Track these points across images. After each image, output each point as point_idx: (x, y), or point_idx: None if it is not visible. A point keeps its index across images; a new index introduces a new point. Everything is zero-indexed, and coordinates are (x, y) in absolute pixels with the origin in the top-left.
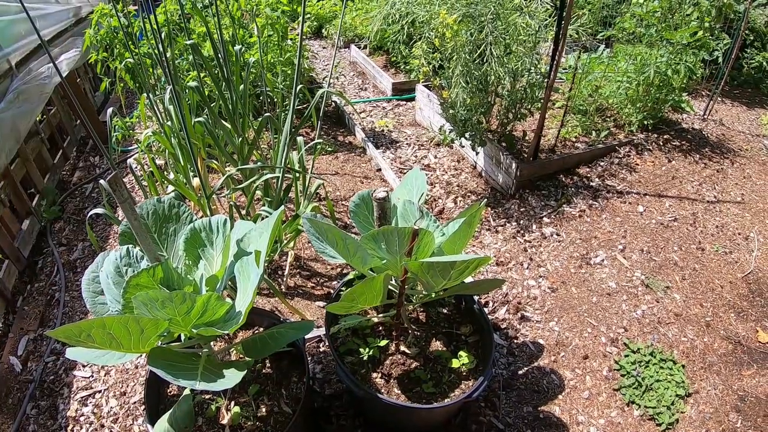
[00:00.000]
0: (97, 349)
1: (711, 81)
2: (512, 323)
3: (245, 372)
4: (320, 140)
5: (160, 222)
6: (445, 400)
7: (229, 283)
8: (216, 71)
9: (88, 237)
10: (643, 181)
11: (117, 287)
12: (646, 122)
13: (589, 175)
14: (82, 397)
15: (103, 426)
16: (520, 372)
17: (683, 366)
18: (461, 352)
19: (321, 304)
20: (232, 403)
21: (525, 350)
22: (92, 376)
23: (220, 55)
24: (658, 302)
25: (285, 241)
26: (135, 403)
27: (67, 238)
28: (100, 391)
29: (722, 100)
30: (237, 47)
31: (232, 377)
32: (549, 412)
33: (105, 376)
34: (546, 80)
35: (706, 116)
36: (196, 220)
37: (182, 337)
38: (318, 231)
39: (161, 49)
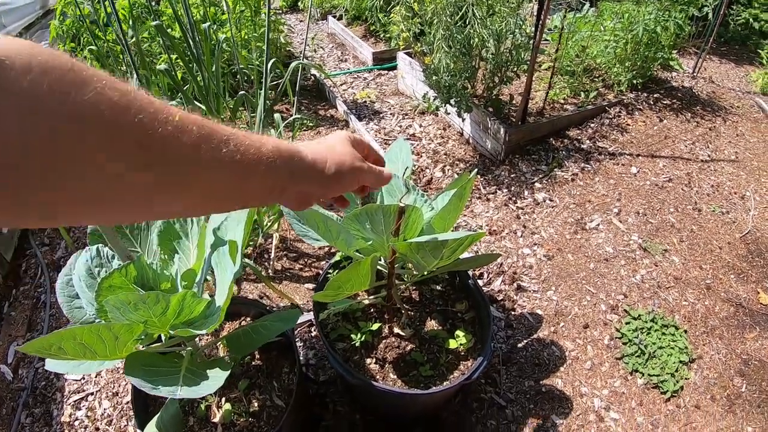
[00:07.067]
0: (71, 360)
1: (698, 39)
2: (509, 294)
3: (229, 372)
4: (299, 115)
5: None
6: (444, 383)
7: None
8: (186, 52)
9: (69, 238)
10: (635, 141)
11: (90, 290)
12: (635, 81)
13: (579, 138)
14: (74, 401)
15: (98, 429)
16: (520, 345)
17: (685, 331)
18: (458, 331)
19: (310, 286)
20: (223, 399)
21: (523, 322)
22: (83, 378)
23: (188, 35)
24: (656, 266)
25: (269, 224)
26: (128, 403)
27: (49, 237)
28: (92, 393)
29: (710, 57)
30: (205, 24)
31: (215, 379)
32: (551, 386)
33: (96, 377)
34: (531, 41)
35: (695, 74)
36: None
37: (163, 337)
38: (297, 213)
39: (121, 32)
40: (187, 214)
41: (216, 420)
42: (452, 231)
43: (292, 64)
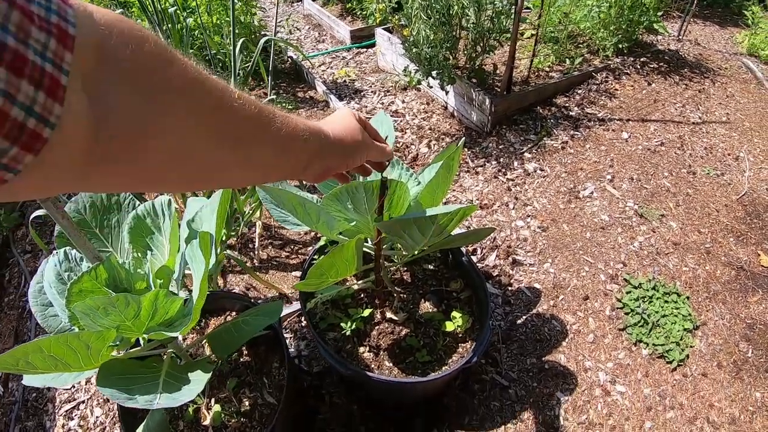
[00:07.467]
0: (46, 373)
1: (681, 1)
2: (504, 269)
3: (210, 374)
4: (274, 96)
5: (100, 214)
6: (443, 368)
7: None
8: None
9: (42, 241)
10: (624, 106)
11: (62, 296)
12: (620, 46)
13: (567, 105)
14: (66, 411)
15: None
16: (519, 321)
17: (688, 297)
18: (454, 312)
19: (298, 273)
20: (212, 401)
21: (521, 297)
22: (74, 387)
23: (155, 23)
24: (654, 232)
25: (250, 213)
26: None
27: (30, 244)
28: (83, 402)
29: (694, 20)
30: (172, 9)
31: (196, 383)
32: (554, 362)
33: (86, 384)
34: (513, 7)
35: (681, 37)
36: (138, 205)
37: (140, 341)
38: (274, 198)
39: None
40: (229, 185)
41: (206, 423)
42: (442, 206)
43: (261, 41)
